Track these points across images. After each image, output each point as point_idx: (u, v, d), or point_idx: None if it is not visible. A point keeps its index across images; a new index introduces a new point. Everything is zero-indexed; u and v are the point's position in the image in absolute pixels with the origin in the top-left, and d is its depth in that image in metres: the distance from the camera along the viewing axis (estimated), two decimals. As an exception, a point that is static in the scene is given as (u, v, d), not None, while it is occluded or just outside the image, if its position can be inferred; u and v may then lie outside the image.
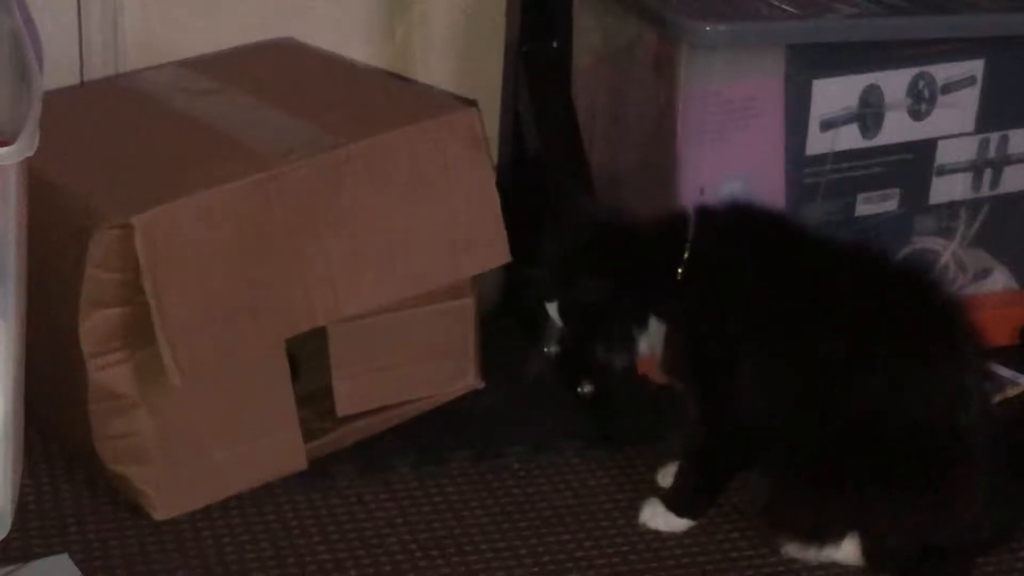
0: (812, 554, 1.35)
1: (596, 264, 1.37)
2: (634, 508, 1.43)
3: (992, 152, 1.68)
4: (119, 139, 1.47)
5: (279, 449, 1.43)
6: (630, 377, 1.54)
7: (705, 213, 1.39)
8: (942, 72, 1.63)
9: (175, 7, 1.77)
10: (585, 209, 1.47)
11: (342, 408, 1.49)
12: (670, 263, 1.35)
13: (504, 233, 1.51)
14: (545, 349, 1.59)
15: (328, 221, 1.40)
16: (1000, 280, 1.76)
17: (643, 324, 1.37)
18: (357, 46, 1.78)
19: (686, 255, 1.35)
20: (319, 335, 1.44)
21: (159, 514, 1.38)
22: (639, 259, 1.37)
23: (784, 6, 1.58)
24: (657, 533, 1.40)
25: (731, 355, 1.33)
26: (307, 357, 1.47)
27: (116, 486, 1.39)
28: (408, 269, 1.46)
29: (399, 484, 1.46)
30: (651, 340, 1.38)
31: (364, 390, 1.50)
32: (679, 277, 1.35)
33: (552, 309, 1.40)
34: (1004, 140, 1.68)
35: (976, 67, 1.63)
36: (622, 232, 1.40)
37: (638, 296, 1.37)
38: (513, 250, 1.52)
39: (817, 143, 1.61)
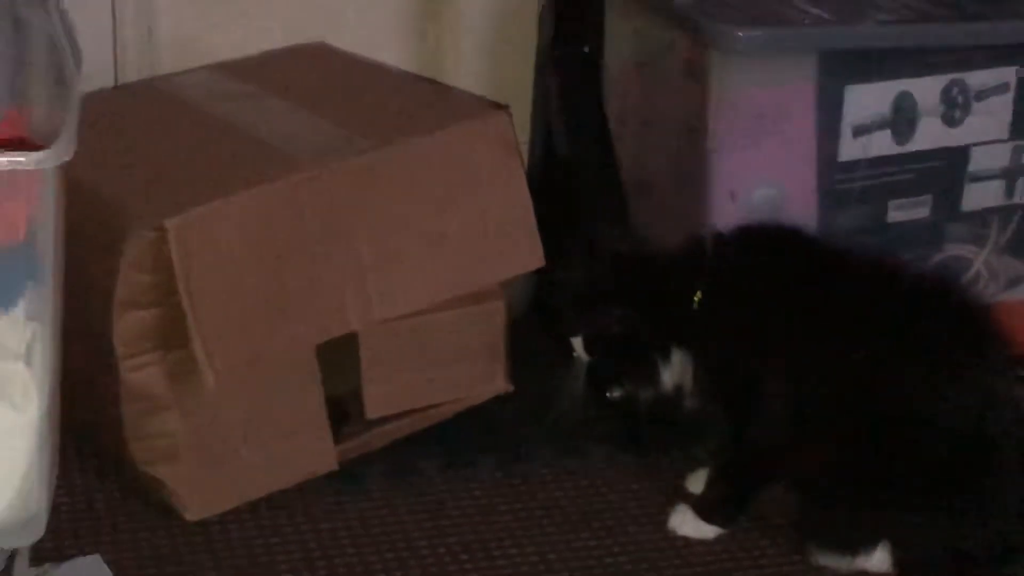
0: (843, 563, 1.35)
1: (617, 297, 1.38)
2: (663, 513, 1.43)
3: (1025, 159, 1.68)
4: (153, 142, 1.48)
5: (309, 450, 1.44)
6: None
7: (720, 239, 1.40)
8: (976, 79, 1.62)
9: (208, 11, 1.77)
10: (605, 241, 1.48)
11: (371, 411, 1.49)
12: (686, 292, 1.36)
13: (537, 237, 1.50)
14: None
15: (361, 225, 1.40)
16: (1032, 288, 1.75)
17: (666, 356, 1.37)
18: (389, 50, 1.78)
19: (701, 283, 1.36)
20: (348, 337, 1.44)
21: (191, 515, 1.38)
22: (657, 290, 1.38)
23: (817, 12, 1.58)
24: (686, 539, 1.40)
25: (754, 378, 1.34)
26: (337, 359, 1.47)
27: (148, 487, 1.39)
28: (441, 273, 1.46)
29: (427, 487, 1.46)
30: (676, 370, 1.38)
31: (393, 393, 1.50)
32: (696, 306, 1.35)
33: (576, 343, 1.41)
34: (1037, 148, 1.68)
35: (1009, 74, 1.62)
36: (641, 263, 1.41)
37: (658, 328, 1.37)
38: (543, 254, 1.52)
39: (849, 149, 1.60)
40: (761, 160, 1.57)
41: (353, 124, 1.47)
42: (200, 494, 1.38)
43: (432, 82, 1.68)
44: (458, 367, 1.54)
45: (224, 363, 1.33)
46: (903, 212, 1.65)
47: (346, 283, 1.40)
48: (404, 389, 1.50)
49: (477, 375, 1.56)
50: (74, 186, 1.25)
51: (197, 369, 1.32)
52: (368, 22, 1.82)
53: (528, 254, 1.51)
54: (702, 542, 1.40)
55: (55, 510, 1.36)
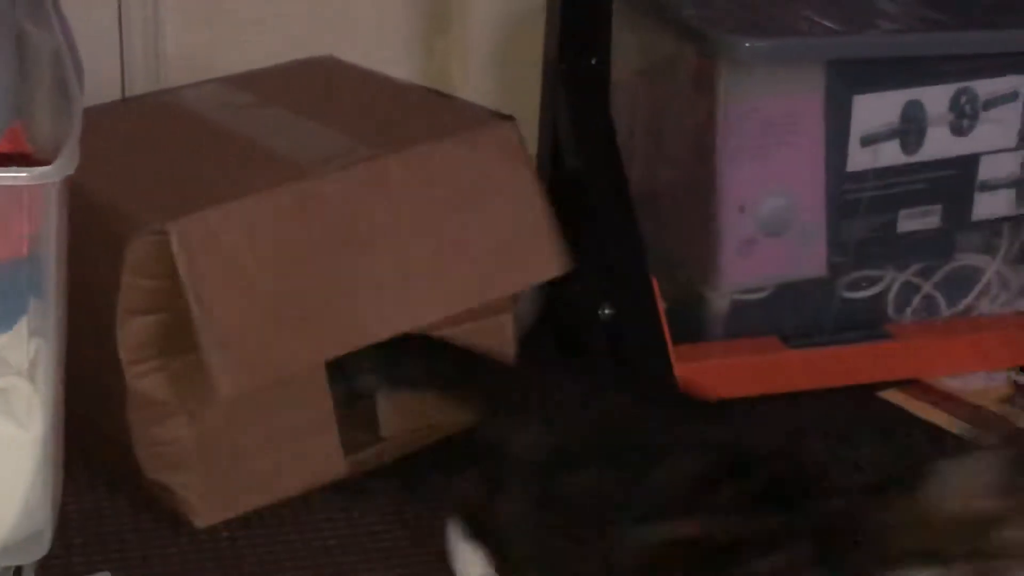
0: None
1: None
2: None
3: (1035, 168, 1.67)
4: (158, 152, 1.48)
5: (318, 455, 1.43)
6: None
7: None
8: (984, 87, 1.61)
9: (216, 24, 1.78)
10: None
11: (385, 428, 1.48)
12: None
13: (556, 244, 1.48)
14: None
15: (372, 234, 1.39)
16: (1044, 298, 1.74)
17: None
18: (396, 64, 1.78)
19: None
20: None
21: (200, 521, 1.37)
22: None
23: (824, 21, 1.57)
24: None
25: None
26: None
27: (156, 496, 1.39)
28: (458, 283, 1.44)
29: (438, 501, 1.46)
30: None
31: (406, 409, 1.49)
32: None
33: None
34: (1047, 156, 1.67)
35: (1019, 82, 1.62)
36: None
37: None
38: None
39: (858, 159, 1.60)
40: (770, 171, 1.57)
41: (360, 133, 1.47)
42: (209, 500, 1.38)
43: (439, 93, 1.68)
44: (467, 381, 1.53)
45: (239, 368, 1.31)
46: (913, 222, 1.64)
47: (360, 294, 1.38)
48: (416, 405, 1.49)
49: (487, 388, 1.55)
50: (78, 197, 1.25)
51: (203, 374, 1.30)
52: (375, 38, 1.83)
53: (547, 261, 1.49)
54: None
55: (64, 526, 1.37)
